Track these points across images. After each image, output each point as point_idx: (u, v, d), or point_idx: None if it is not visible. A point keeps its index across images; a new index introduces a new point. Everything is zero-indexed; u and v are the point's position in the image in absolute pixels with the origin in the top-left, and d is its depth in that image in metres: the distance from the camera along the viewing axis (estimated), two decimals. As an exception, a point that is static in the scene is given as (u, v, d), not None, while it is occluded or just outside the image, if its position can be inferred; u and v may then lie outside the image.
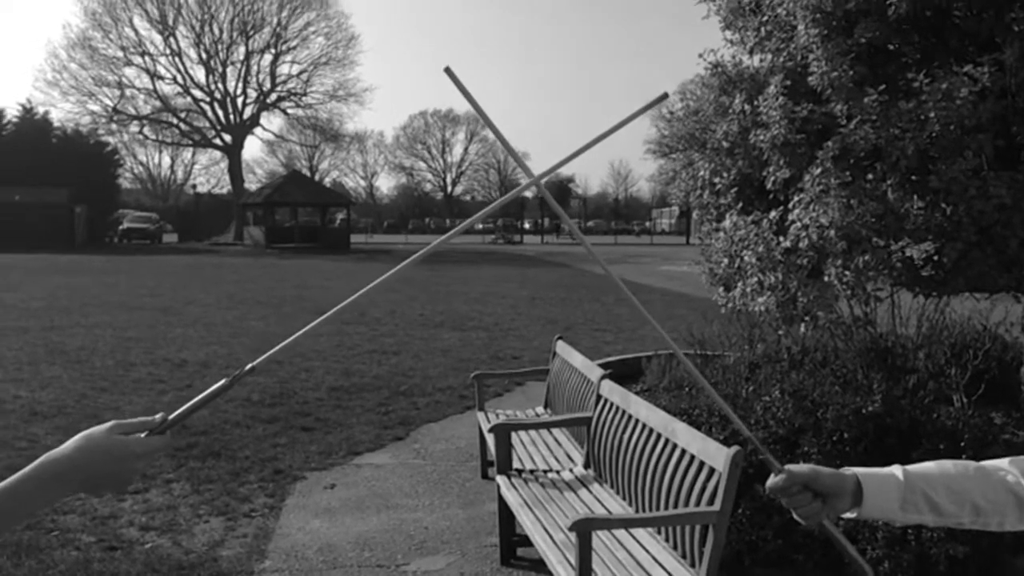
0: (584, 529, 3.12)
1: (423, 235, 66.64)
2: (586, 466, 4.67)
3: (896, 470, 1.49)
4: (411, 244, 53.25)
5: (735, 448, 3.25)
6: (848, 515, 1.48)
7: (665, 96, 1.71)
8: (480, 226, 71.43)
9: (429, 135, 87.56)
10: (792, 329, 4.64)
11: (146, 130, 57.29)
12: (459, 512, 5.40)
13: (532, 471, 4.66)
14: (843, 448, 4.01)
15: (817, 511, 1.45)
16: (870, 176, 3.91)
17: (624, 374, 6.89)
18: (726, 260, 4.77)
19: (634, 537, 3.69)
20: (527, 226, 67.41)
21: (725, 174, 4.65)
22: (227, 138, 56.86)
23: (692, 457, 3.50)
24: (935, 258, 4.26)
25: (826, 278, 4.12)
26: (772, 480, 1.48)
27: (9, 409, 7.82)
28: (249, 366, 1.48)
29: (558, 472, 4.64)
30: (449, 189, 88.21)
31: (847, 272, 4.01)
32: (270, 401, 8.31)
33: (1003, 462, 1.49)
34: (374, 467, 6.37)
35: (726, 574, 3.36)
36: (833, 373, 4.42)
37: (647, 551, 3.54)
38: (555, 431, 5.41)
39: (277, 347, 1.53)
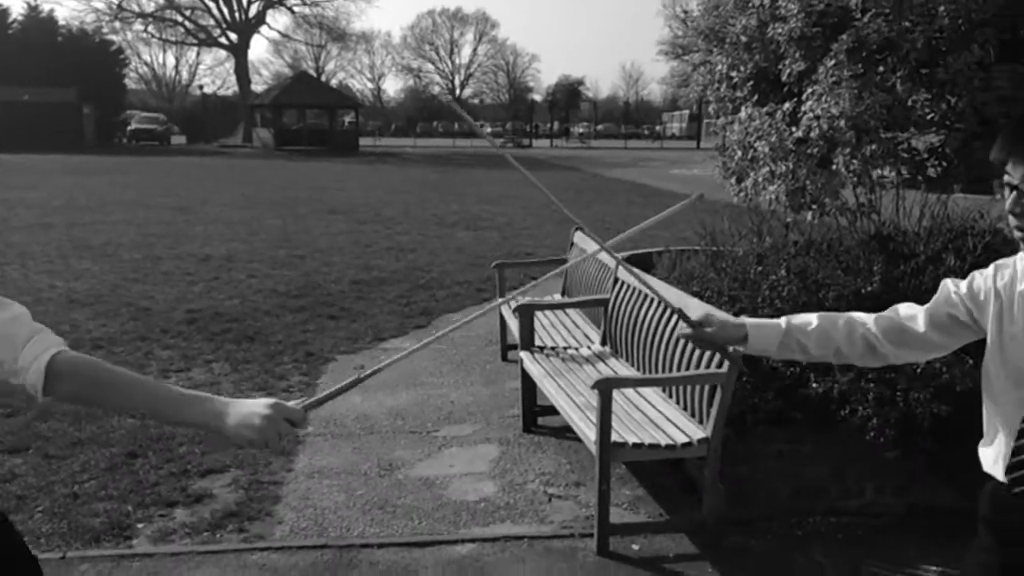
0: (606, 388, 3.47)
1: (431, 139, 66.14)
2: (603, 343, 5.03)
3: (781, 321, 2.06)
4: (419, 148, 52.96)
5: (743, 317, 3.57)
6: (738, 348, 2.10)
7: (701, 197, 2.12)
8: (489, 129, 70.79)
9: (437, 35, 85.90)
10: (799, 217, 4.90)
11: (151, 28, 56.36)
12: (482, 389, 5.80)
13: (553, 348, 5.01)
14: (843, 325, 4.34)
15: (718, 340, 2.09)
16: (881, 68, 4.10)
17: (638, 265, 7.20)
18: (740, 151, 4.99)
19: (647, 400, 4.06)
20: (537, 128, 66.68)
21: (742, 67, 4.82)
22: (233, 37, 55.95)
23: (704, 328, 3.82)
24: (939, 149, 4.49)
25: (834, 167, 4.36)
26: (680, 330, 2.13)
27: (47, 298, 8.21)
28: (373, 370, 1.85)
29: (577, 349, 5.00)
30: (458, 92, 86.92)
31: (855, 161, 4.25)
32: (296, 292, 8.68)
33: (869, 318, 2.01)
34: (400, 351, 6.76)
35: (731, 430, 3.73)
36: (836, 257, 4.71)
37: (659, 411, 3.92)
38: (572, 314, 5.75)
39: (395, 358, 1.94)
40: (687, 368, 3.86)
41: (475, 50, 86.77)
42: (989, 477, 1.96)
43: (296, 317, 7.67)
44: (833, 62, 4.10)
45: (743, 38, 4.70)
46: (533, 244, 12.51)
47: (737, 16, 4.74)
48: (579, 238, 6.20)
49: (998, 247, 5.54)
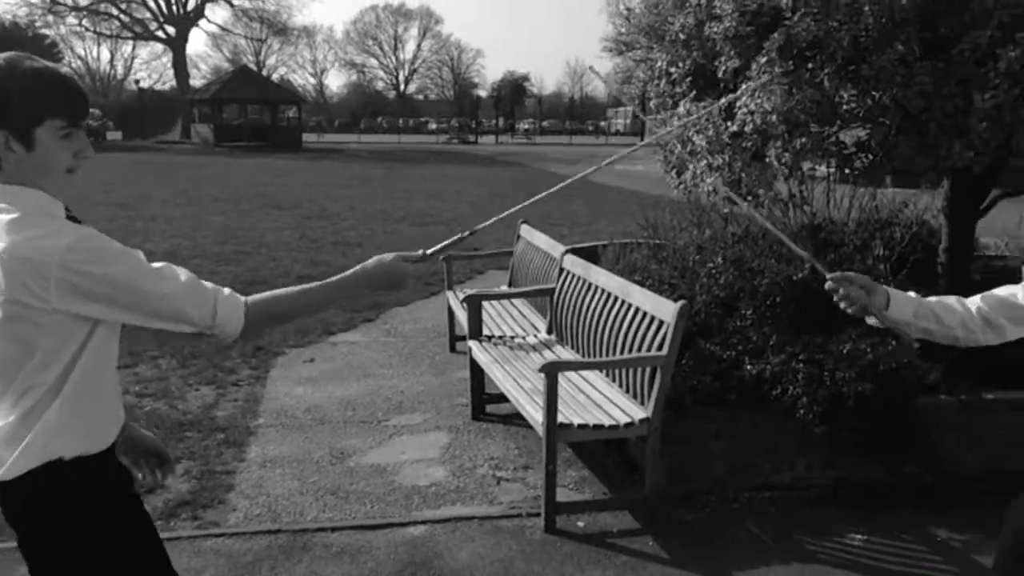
0: (551, 371, 3.61)
1: (375, 135, 65.67)
2: (549, 332, 5.17)
3: (912, 294, 2.15)
4: (364, 143, 52.58)
5: (682, 302, 3.75)
6: (877, 316, 2.08)
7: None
8: (434, 126, 70.64)
9: (381, 30, 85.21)
10: (735, 208, 5.11)
11: (85, 22, 54.89)
12: (431, 379, 5.90)
13: (500, 337, 5.14)
14: (775, 310, 4.55)
15: (865, 301, 2.06)
16: (810, 66, 4.30)
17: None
18: (679, 145, 5.17)
19: (592, 384, 4.22)
20: (481, 124, 66.71)
21: (680, 64, 5.00)
22: (170, 30, 54.82)
23: (645, 313, 4.00)
24: (866, 143, 4.72)
25: (767, 160, 4.56)
26: (829, 284, 2.12)
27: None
28: (470, 231, 2.22)
29: (524, 337, 5.14)
30: (402, 87, 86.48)
31: (786, 154, 4.45)
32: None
33: (976, 298, 2.13)
34: (349, 344, 6.82)
35: (671, 411, 3.90)
36: (769, 247, 4.94)
37: (603, 394, 4.08)
38: (519, 304, 5.89)
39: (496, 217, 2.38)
40: (630, 349, 4.02)
41: (419, 45, 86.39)
42: None
43: (243, 312, 7.65)
44: (765, 59, 4.29)
45: (681, 36, 4.87)
46: (479, 239, 12.60)
47: (676, 14, 4.91)
48: (524, 230, 6.34)
49: (924, 238, 5.84)
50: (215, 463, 4.37)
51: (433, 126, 71.36)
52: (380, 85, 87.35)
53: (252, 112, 46.70)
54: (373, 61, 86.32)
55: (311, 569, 3.39)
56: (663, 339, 3.75)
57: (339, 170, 27.86)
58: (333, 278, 1.95)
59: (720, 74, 4.65)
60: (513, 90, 77.76)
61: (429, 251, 2.10)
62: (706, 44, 4.76)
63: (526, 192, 20.33)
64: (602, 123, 77.01)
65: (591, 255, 7.94)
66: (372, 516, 3.84)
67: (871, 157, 4.69)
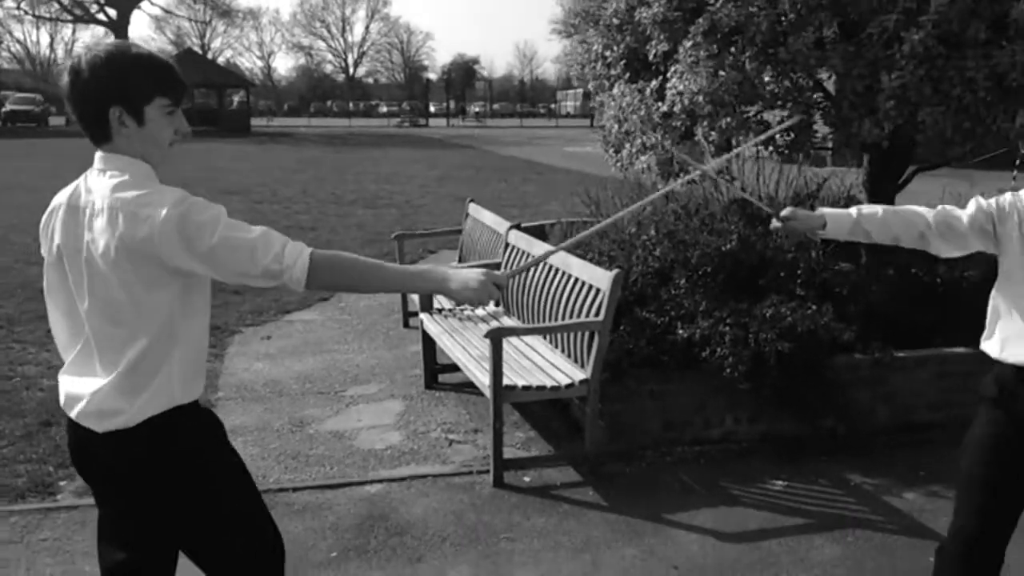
0: (496, 336, 3.89)
1: (325, 118, 65.10)
2: (496, 304, 5.45)
3: (853, 211, 2.53)
4: (313, 127, 52.16)
5: (616, 271, 4.05)
6: (819, 234, 2.59)
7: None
8: (385, 109, 70.24)
9: (328, 12, 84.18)
10: (669, 183, 5.42)
11: (24, 5, 53.35)
12: (385, 353, 6.15)
13: (451, 309, 5.40)
14: (706, 279, 4.87)
15: (799, 232, 2.61)
16: (732, 49, 4.60)
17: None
18: (616, 125, 5.46)
19: (535, 350, 4.51)
20: (432, 109, 66.49)
21: (615, 48, 5.27)
22: (111, 13, 53.56)
23: (583, 283, 4.29)
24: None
25: (696, 138, 4.88)
26: (772, 224, 2.62)
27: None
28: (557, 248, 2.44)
29: (473, 310, 5.40)
30: (351, 71, 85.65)
31: (713, 132, 4.76)
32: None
33: (928, 213, 2.50)
34: (304, 322, 7.02)
35: (608, 373, 4.20)
36: (701, 220, 5.26)
37: (546, 359, 4.37)
38: (469, 279, 6.14)
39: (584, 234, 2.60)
40: (570, 316, 4.31)
41: (368, 28, 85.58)
42: (992, 365, 2.50)
43: (198, 294, 7.79)
44: (691, 43, 4.59)
45: (615, 20, 5.15)
46: (431, 220, 12.80)
47: (609, 0, 5.19)
48: (473, 209, 6.59)
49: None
50: (178, 434, 4.57)
51: (384, 109, 71.01)
52: (329, 68, 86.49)
53: (199, 96, 45.95)
54: (321, 44, 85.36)
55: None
56: (600, 305, 4.04)
57: (289, 154, 27.74)
58: (413, 267, 2.12)
59: (651, 57, 4.94)
60: (463, 73, 77.66)
61: (511, 271, 2.29)
62: (638, 29, 5.05)
63: (477, 174, 20.57)
64: (552, 105, 77.29)
65: (539, 233, 8.24)
66: (331, 477, 4.09)
67: (792, 135, 5.04)
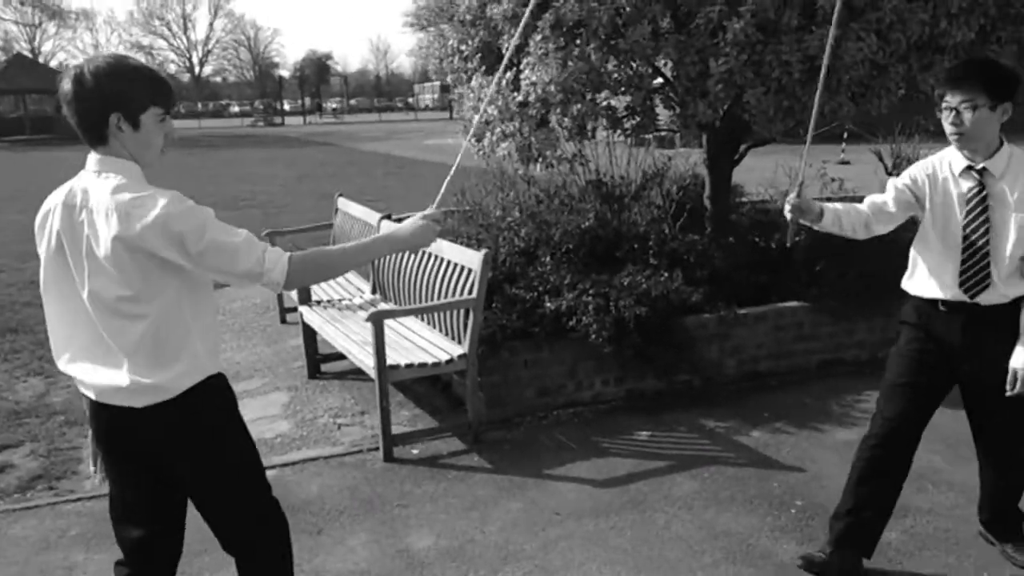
0: (378, 319, 4.11)
1: (174, 120, 62.29)
2: (373, 292, 5.65)
3: (832, 206, 3.08)
4: (162, 131, 49.85)
5: (485, 251, 4.35)
6: (812, 224, 3.06)
7: None
8: (236, 108, 68.01)
9: (167, 10, 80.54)
10: (530, 169, 5.77)
11: None
12: (265, 349, 6.22)
13: (329, 300, 5.56)
14: (569, 255, 5.26)
15: (803, 215, 3.00)
16: (578, 41, 4.97)
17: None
18: (476, 115, 5.75)
19: (415, 332, 4.76)
20: (287, 107, 64.89)
21: (470, 42, 5.56)
22: (-77, 17, 49.36)
23: (455, 264, 4.56)
24: (631, 107, 5.49)
25: (551, 125, 5.23)
26: (791, 198, 3.00)
27: None
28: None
29: (351, 299, 5.58)
30: (197, 70, 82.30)
31: (566, 119, 5.13)
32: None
33: (865, 204, 3.09)
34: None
35: (484, 347, 4.50)
36: (561, 201, 5.64)
37: (425, 339, 4.63)
38: (343, 271, 6.30)
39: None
40: (445, 297, 4.58)
41: (211, 24, 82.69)
42: (911, 298, 3.08)
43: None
44: (540, 37, 4.92)
45: (468, 16, 5.44)
46: (296, 218, 12.73)
47: (459, -3, 5.48)
48: (342, 202, 6.74)
49: (697, 188, 6.74)
50: (60, 442, 4.55)
51: (236, 109, 68.72)
52: (173, 68, 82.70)
53: (32, 103, 43.21)
54: (162, 43, 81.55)
55: (172, 517, 3.73)
56: (472, 284, 4.33)
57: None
58: (368, 239, 2.41)
59: (504, 50, 5.25)
60: (317, 69, 76.17)
61: (434, 207, 2.51)
62: (490, 24, 5.35)
63: (339, 171, 20.43)
64: (410, 99, 76.99)
65: (407, 224, 8.42)
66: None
67: (637, 119, 5.48)
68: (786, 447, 4.24)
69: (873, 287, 5.19)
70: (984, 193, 2.88)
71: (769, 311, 5.17)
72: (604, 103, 5.35)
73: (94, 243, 2.07)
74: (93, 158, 2.14)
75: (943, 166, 2.99)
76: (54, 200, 2.17)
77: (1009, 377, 2.87)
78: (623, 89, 5.19)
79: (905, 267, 3.13)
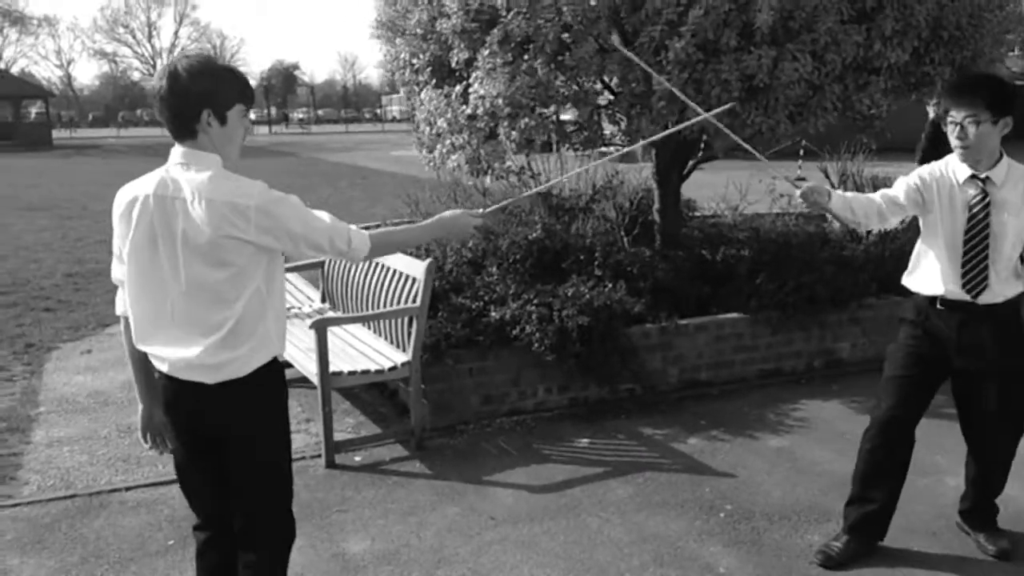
0: (321, 326, 4.16)
1: (136, 128, 61.66)
2: (323, 300, 5.69)
3: (842, 193, 3.22)
4: (123, 138, 49.38)
5: (428, 260, 4.42)
6: (825, 210, 3.17)
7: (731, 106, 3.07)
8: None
9: (132, 17, 79.82)
10: (479, 180, 5.86)
11: None
12: (214, 358, 6.21)
13: (277, 309, 5.58)
14: (515, 265, 5.35)
15: (821, 202, 3.11)
16: (526, 57, 5.08)
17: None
18: (427, 128, 5.84)
19: (361, 339, 4.81)
20: (253, 116, 64.44)
21: (421, 56, 5.64)
22: None
23: (400, 273, 4.63)
24: (578, 122, 5.61)
25: (500, 138, 5.33)
26: (802, 187, 3.13)
27: None
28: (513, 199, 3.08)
29: (300, 308, 5.62)
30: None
31: (514, 132, 5.23)
32: (3, 290, 8.37)
33: (878, 196, 3.23)
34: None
35: (429, 355, 4.56)
36: (511, 213, 5.73)
37: (370, 346, 4.68)
38: (293, 279, 6.31)
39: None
40: (390, 304, 4.63)
41: (176, 33, 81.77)
42: (912, 295, 3.26)
43: (7, 313, 7.49)
44: (488, 51, 5.02)
45: (418, 31, 5.52)
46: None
47: (412, 10, 5.55)
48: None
49: (650, 202, 6.87)
50: (0, 448, 4.52)
51: (201, 118, 68.02)
52: (137, 75, 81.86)
53: (-10, 109, 42.52)
54: (126, 50, 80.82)
55: (109, 522, 3.74)
56: (416, 293, 4.40)
57: (98, 167, 26.25)
58: (423, 222, 2.70)
59: (453, 64, 5.35)
60: (284, 79, 75.82)
61: (489, 209, 2.79)
62: (440, 38, 5.44)
63: (300, 182, 20.36)
64: (378, 110, 76.87)
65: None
66: (164, 475, 4.20)
67: (586, 133, 5.60)
68: (720, 454, 4.35)
69: (814, 300, 5.35)
70: (987, 200, 3.08)
71: (710, 322, 5.29)
72: (552, 117, 5.46)
73: (190, 231, 2.21)
74: (178, 151, 2.29)
75: (948, 172, 3.18)
76: (141, 189, 2.30)
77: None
78: (569, 104, 5.30)
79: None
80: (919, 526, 3.53)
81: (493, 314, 4.85)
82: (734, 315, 5.35)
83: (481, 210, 2.75)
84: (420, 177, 20.02)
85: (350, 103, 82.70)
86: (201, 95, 2.22)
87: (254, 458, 2.43)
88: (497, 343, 4.79)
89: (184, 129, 2.26)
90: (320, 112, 73.96)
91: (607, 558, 3.40)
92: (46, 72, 79.44)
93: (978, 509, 3.45)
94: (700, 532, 3.59)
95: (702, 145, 6.31)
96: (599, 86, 5.54)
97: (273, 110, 67.17)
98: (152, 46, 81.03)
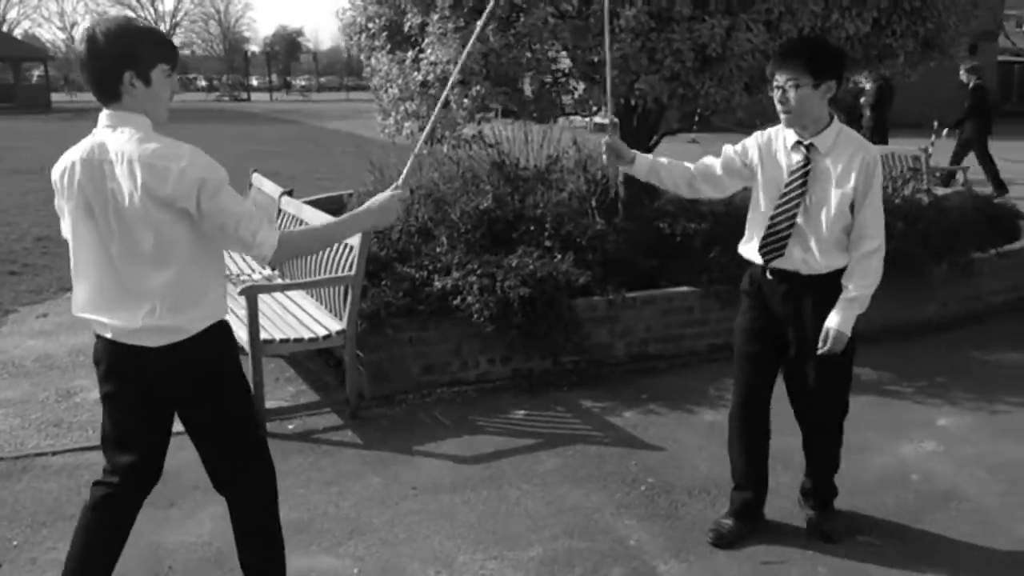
0: (251, 293, 4.12)
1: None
2: (272, 268, 5.64)
3: (650, 156, 3.17)
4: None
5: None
6: (625, 168, 3.16)
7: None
8: (203, 82, 67.09)
9: (136, -20, 78.81)
10: (434, 148, 5.78)
11: None
12: (169, 323, 6.18)
13: (227, 276, 5.52)
14: (466, 235, 5.28)
15: (615, 157, 3.09)
16: (479, 22, 5.00)
17: (330, 209, 7.83)
18: (385, 94, 5.76)
19: (301, 307, 4.77)
20: (255, 83, 64.08)
21: (377, 20, 5.56)
22: None
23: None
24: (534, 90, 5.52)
25: (452, 106, 5.24)
26: (606, 138, 3.06)
27: None
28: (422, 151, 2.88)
29: (250, 275, 5.57)
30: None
31: (465, 99, 5.15)
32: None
33: (692, 165, 3.16)
34: (88, 298, 6.89)
35: (368, 324, 4.52)
36: (464, 180, 5.66)
37: (309, 314, 4.64)
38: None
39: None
40: (330, 273, 4.58)
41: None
42: (749, 264, 3.17)
43: (-29, 276, 7.47)
44: (438, 16, 4.94)
45: (373, -7, 5.44)
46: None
47: (365, -27, 5.46)
48: (256, 178, 6.70)
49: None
50: (-61, 413, 4.51)
51: (202, 83, 67.75)
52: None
53: (-10, 71, 42.35)
54: (129, 13, 79.92)
55: (30, 486, 3.73)
56: (352, 261, 4.35)
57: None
58: (344, 217, 2.60)
59: (406, 29, 5.25)
60: (287, 45, 75.31)
61: (400, 181, 2.66)
62: (396, 2, 5.34)
63: (296, 149, 20.25)
64: (382, 78, 76.10)
65: (339, 203, 8.45)
66: (92, 440, 4.18)
67: (541, 103, 5.51)
68: (654, 428, 4.31)
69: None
70: (808, 167, 2.99)
71: (658, 295, 5.23)
72: (504, 86, 5.36)
73: (119, 194, 2.22)
74: (105, 114, 2.28)
75: (778, 138, 3.10)
76: (72, 156, 2.30)
77: (821, 335, 3.00)
78: (524, 73, 5.21)
79: None
80: (840, 502, 3.48)
81: (436, 284, 4.79)
82: (684, 288, 5.29)
83: (398, 182, 2.68)
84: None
85: (354, 71, 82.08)
86: (120, 57, 2.22)
87: (204, 417, 2.50)
88: (438, 313, 4.74)
89: (108, 92, 2.26)
90: (323, 79, 73.44)
91: (519, 530, 3.37)
92: (49, 35, 78.89)
93: (815, 487, 3.39)
94: (619, 505, 3.56)
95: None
96: (557, 54, 5.44)
97: (275, 77, 66.72)
98: (155, 10, 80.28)
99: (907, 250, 5.51)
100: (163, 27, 79.90)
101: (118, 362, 2.39)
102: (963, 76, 12.32)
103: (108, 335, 2.36)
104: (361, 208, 2.60)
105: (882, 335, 5.25)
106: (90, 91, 2.29)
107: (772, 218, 3.01)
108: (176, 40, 77.68)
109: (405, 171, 2.76)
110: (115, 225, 2.25)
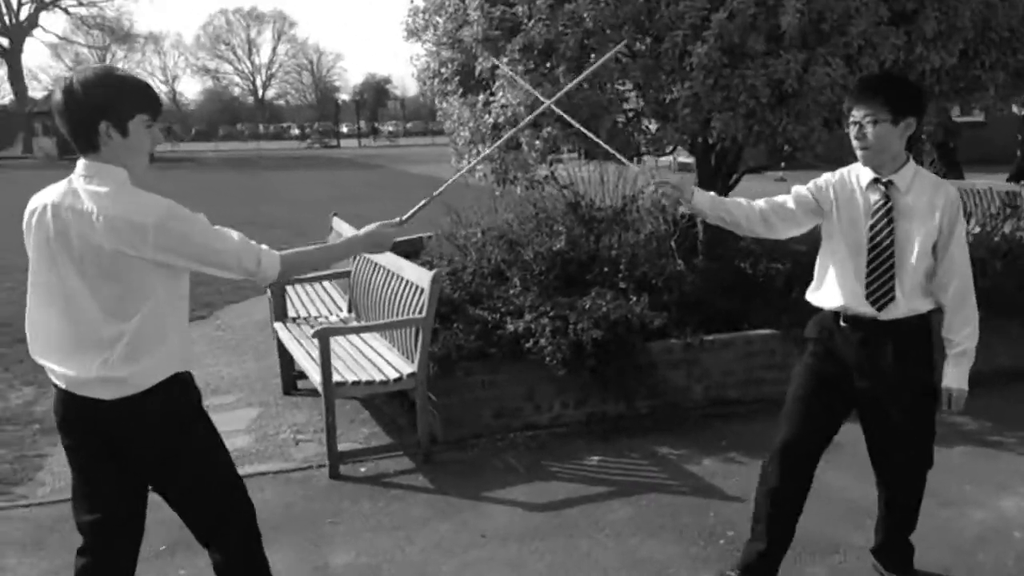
0: (324, 335, 4.16)
1: (234, 142, 64.08)
2: (349, 310, 5.71)
3: (711, 193, 3.00)
4: (220, 151, 51.35)
5: (435, 271, 4.38)
6: (684, 208, 2.97)
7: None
8: (296, 131, 69.60)
9: (233, 34, 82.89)
10: (506, 189, 5.79)
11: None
12: (252, 365, 6.33)
13: (305, 317, 5.64)
14: (540, 276, 5.24)
15: (676, 194, 2.87)
16: (548, 64, 5.00)
17: (407, 252, 7.94)
18: (457, 137, 5.81)
19: (374, 349, 4.80)
20: (344, 129, 66.13)
21: (449, 64, 5.63)
22: (3, 42, 51.84)
23: (411, 283, 4.60)
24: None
25: (522, 147, 5.25)
26: (660, 178, 2.93)
27: None
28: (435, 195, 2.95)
29: (327, 317, 5.66)
30: (260, 93, 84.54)
31: (537, 141, 5.14)
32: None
33: (762, 201, 2.98)
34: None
35: (438, 367, 4.51)
36: (538, 221, 5.64)
37: (381, 356, 4.66)
38: (328, 287, 6.40)
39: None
40: (401, 314, 4.60)
41: (275, 49, 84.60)
42: (817, 311, 3.02)
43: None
44: (508, 59, 4.96)
45: (445, 39, 5.51)
46: (312, 240, 12.95)
47: (436, 19, 5.55)
48: (336, 222, 6.84)
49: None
50: (29, 449, 4.70)
51: (295, 131, 70.33)
52: (237, 91, 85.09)
53: (98, 123, 44.86)
54: (227, 66, 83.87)
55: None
56: (423, 303, 4.35)
57: (188, 179, 27.31)
58: (339, 241, 2.74)
59: (477, 73, 5.30)
60: (375, 93, 77.55)
61: (404, 217, 2.72)
62: (467, 47, 5.40)
63: (374, 193, 20.71)
64: (465, 122, 77.52)
65: (417, 245, 8.55)
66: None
67: (615, 143, 5.46)
68: (734, 477, 4.14)
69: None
70: (890, 205, 2.85)
71: (738, 338, 5.07)
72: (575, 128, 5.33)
73: (87, 244, 2.18)
74: (81, 163, 2.25)
75: (851, 178, 2.96)
76: (44, 199, 2.27)
77: (943, 397, 2.86)
78: (591, 112, 5.17)
79: None
80: (931, 562, 3.26)
81: (509, 326, 4.76)
82: (764, 331, 5.11)
83: (399, 218, 2.72)
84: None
85: (436, 116, 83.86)
86: (96, 107, 2.18)
87: (164, 471, 2.41)
88: (510, 356, 4.69)
89: (85, 142, 2.22)
90: (409, 125, 75.25)
91: (589, 582, 3.26)
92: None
93: (891, 547, 3.17)
94: (694, 559, 3.41)
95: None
96: (628, 92, 5.40)
97: (363, 123, 68.72)
98: (252, 62, 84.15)
99: (1006, 290, 5.21)
100: (259, 79, 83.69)
101: (72, 415, 2.33)
102: None
103: (62, 385, 2.30)
104: (359, 234, 2.67)
105: (980, 381, 4.94)
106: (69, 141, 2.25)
107: (870, 262, 2.85)
108: (271, 91, 79.87)
109: (413, 209, 2.79)
110: (78, 274, 2.21)
